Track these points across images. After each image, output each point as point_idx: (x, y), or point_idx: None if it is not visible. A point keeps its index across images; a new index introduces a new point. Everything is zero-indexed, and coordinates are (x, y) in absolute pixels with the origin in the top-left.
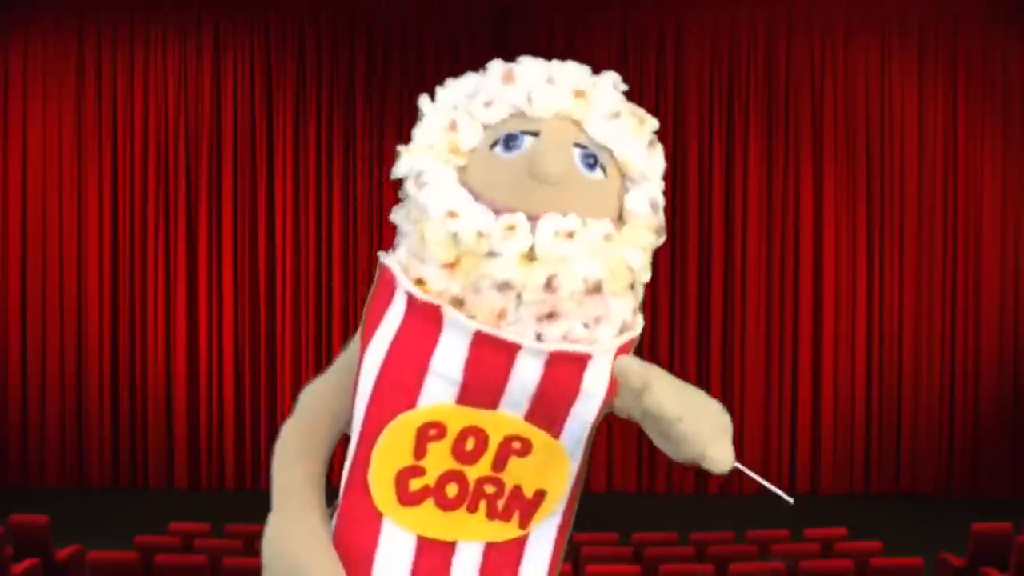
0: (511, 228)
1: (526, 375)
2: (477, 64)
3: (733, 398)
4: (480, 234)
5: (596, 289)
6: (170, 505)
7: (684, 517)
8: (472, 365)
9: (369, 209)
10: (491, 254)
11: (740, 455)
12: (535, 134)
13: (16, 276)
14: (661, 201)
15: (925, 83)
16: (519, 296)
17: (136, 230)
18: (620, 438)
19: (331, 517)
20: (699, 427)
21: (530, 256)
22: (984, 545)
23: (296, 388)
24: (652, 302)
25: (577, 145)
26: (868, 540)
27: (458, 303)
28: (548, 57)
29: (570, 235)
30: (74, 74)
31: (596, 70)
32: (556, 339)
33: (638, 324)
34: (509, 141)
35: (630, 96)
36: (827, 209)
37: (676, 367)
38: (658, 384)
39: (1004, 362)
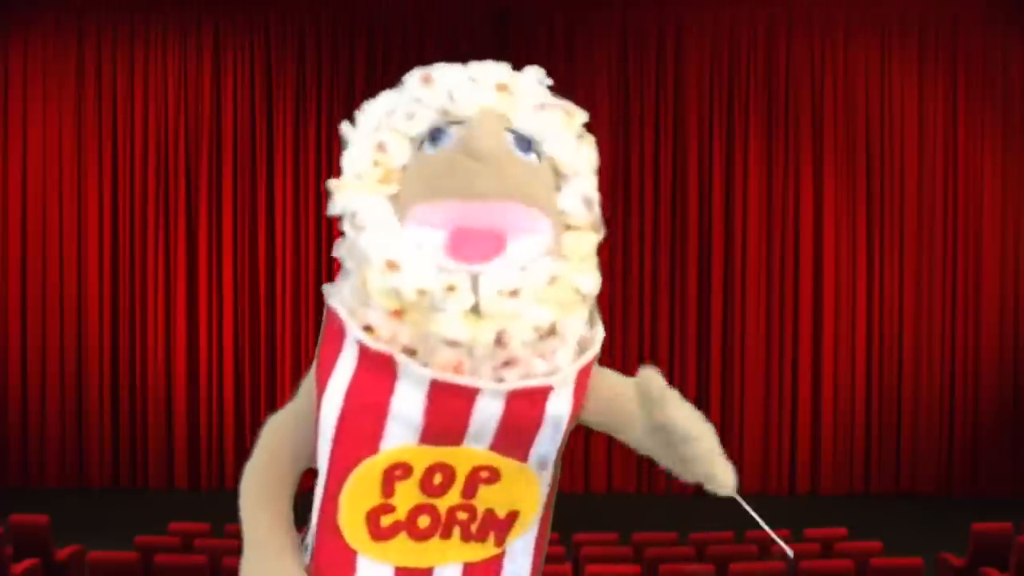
0: (452, 288)
1: (487, 414)
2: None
3: (733, 398)
4: (421, 292)
5: (550, 332)
6: (170, 505)
7: (684, 517)
8: (432, 410)
9: None
10: (435, 308)
11: (740, 455)
12: (462, 123)
13: (16, 276)
14: (595, 197)
15: (925, 83)
16: (470, 350)
17: (136, 230)
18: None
19: (302, 542)
20: (710, 449)
21: (476, 312)
22: (984, 545)
23: (296, 388)
24: (652, 302)
25: (508, 130)
26: (868, 540)
27: (410, 352)
28: (548, 57)
29: (514, 292)
30: (74, 74)
31: (596, 70)
32: (515, 380)
33: (597, 338)
34: (436, 136)
35: (629, 96)
36: (827, 209)
37: (676, 367)
38: (675, 402)
39: (1004, 362)
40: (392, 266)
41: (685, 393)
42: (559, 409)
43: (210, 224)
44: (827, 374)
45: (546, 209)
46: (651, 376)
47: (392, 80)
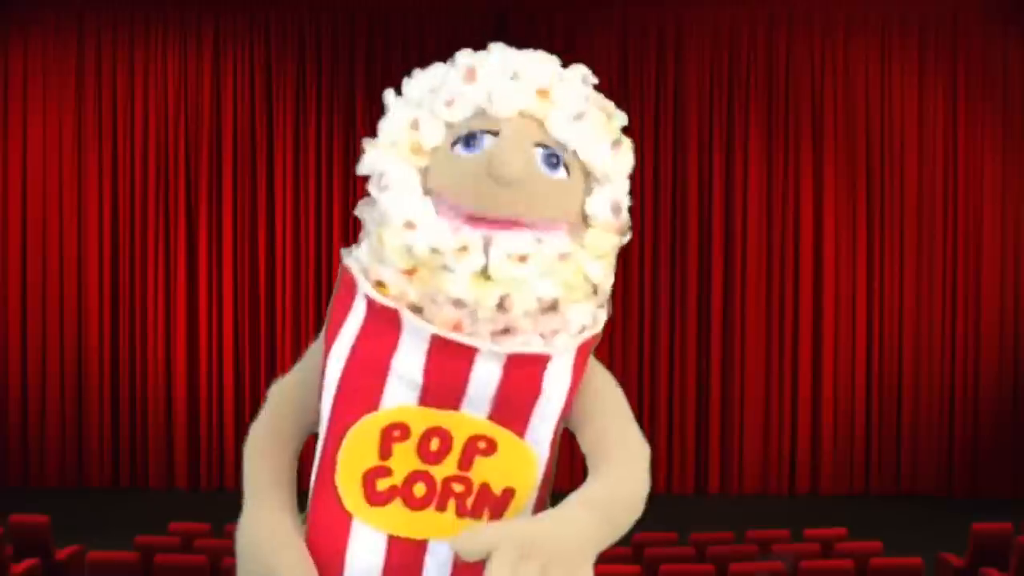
0: (464, 249)
1: (485, 377)
2: None
3: (733, 398)
4: (434, 250)
5: (552, 307)
6: (170, 505)
7: (684, 517)
8: (432, 368)
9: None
10: (446, 268)
11: (740, 455)
12: (496, 133)
13: (16, 276)
14: (624, 202)
15: (925, 83)
16: (474, 312)
17: (136, 230)
18: None
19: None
20: None
21: (484, 275)
22: (984, 545)
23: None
24: (652, 302)
25: (539, 145)
26: (868, 540)
27: (416, 309)
28: None
29: (523, 258)
30: (74, 74)
31: (596, 70)
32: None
33: (599, 321)
34: (469, 140)
35: (629, 96)
36: (827, 209)
37: (676, 367)
38: (508, 553)
39: (1004, 362)
40: (409, 225)
41: (685, 393)
42: (557, 383)
43: (210, 224)
44: (827, 374)
45: (566, 216)
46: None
47: (392, 80)
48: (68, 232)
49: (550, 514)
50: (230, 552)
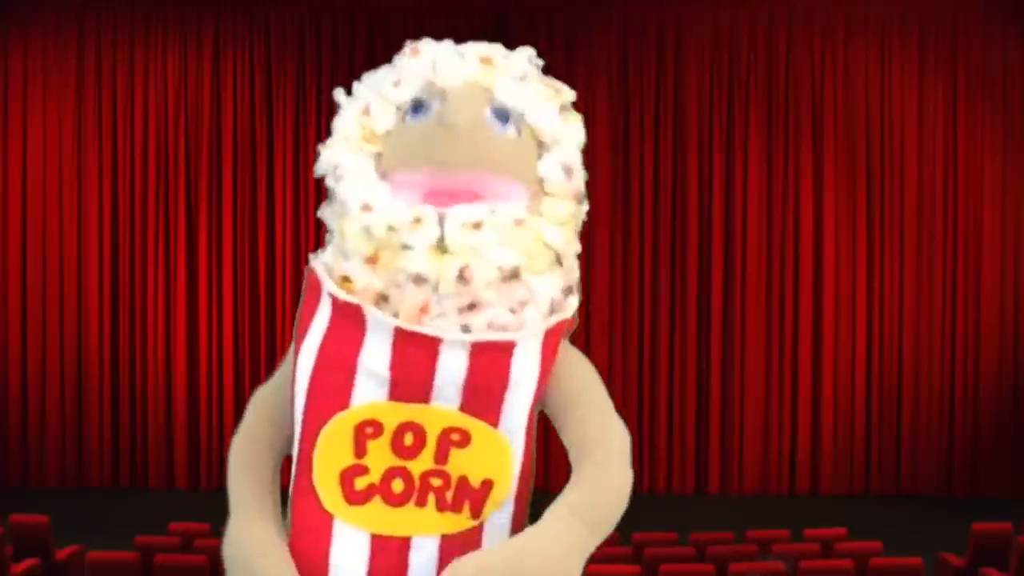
0: (418, 220)
1: (452, 367)
2: None
3: (733, 398)
4: (391, 227)
5: (514, 275)
6: (170, 505)
7: (684, 517)
8: (397, 362)
9: None
10: (405, 247)
11: (740, 455)
12: (443, 98)
13: (16, 276)
14: (577, 166)
15: (925, 83)
16: (436, 289)
17: (136, 230)
18: None
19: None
20: None
21: (442, 248)
22: (984, 545)
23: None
24: (652, 302)
25: (489, 104)
26: (868, 540)
27: (383, 299)
28: (548, 57)
29: (477, 225)
30: (74, 74)
31: (596, 70)
32: (481, 328)
33: (570, 305)
34: (417, 107)
35: (629, 96)
36: (827, 209)
37: (676, 367)
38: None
39: (1004, 362)
40: (366, 208)
41: (685, 393)
42: (525, 369)
43: (210, 224)
44: (827, 374)
45: (521, 178)
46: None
47: None
48: (68, 232)
49: (530, 532)
50: None
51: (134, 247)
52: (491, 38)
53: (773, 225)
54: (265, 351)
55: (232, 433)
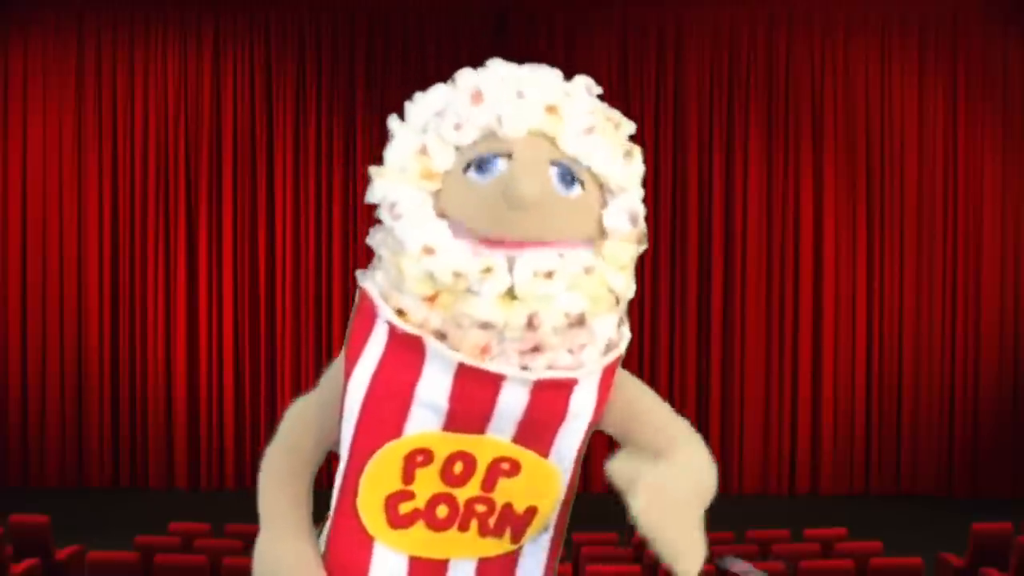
0: (488, 270)
1: (512, 403)
2: (477, 65)
3: (733, 398)
4: (457, 274)
5: (579, 322)
6: (170, 505)
7: None
8: (457, 395)
9: (369, 209)
10: (470, 291)
11: (740, 455)
12: (508, 155)
13: (16, 276)
14: (641, 212)
15: (925, 83)
16: (501, 332)
17: (136, 230)
18: None
19: (320, 534)
20: (674, 542)
21: (510, 294)
22: (984, 545)
23: (296, 388)
24: (652, 302)
25: (553, 163)
26: (868, 540)
27: (440, 335)
28: (548, 57)
29: (549, 275)
30: (74, 74)
31: (596, 70)
32: (541, 368)
33: (624, 340)
34: (482, 165)
35: (629, 96)
36: (827, 209)
37: (676, 367)
38: (642, 494)
39: (1004, 362)
40: (428, 251)
41: (685, 393)
42: (583, 404)
43: (210, 224)
44: (827, 374)
45: (585, 233)
46: (613, 474)
47: (392, 80)
48: (68, 232)
49: (683, 459)
50: (230, 552)
51: (134, 247)
52: (491, 38)
53: (773, 225)
54: (265, 351)
55: (232, 433)
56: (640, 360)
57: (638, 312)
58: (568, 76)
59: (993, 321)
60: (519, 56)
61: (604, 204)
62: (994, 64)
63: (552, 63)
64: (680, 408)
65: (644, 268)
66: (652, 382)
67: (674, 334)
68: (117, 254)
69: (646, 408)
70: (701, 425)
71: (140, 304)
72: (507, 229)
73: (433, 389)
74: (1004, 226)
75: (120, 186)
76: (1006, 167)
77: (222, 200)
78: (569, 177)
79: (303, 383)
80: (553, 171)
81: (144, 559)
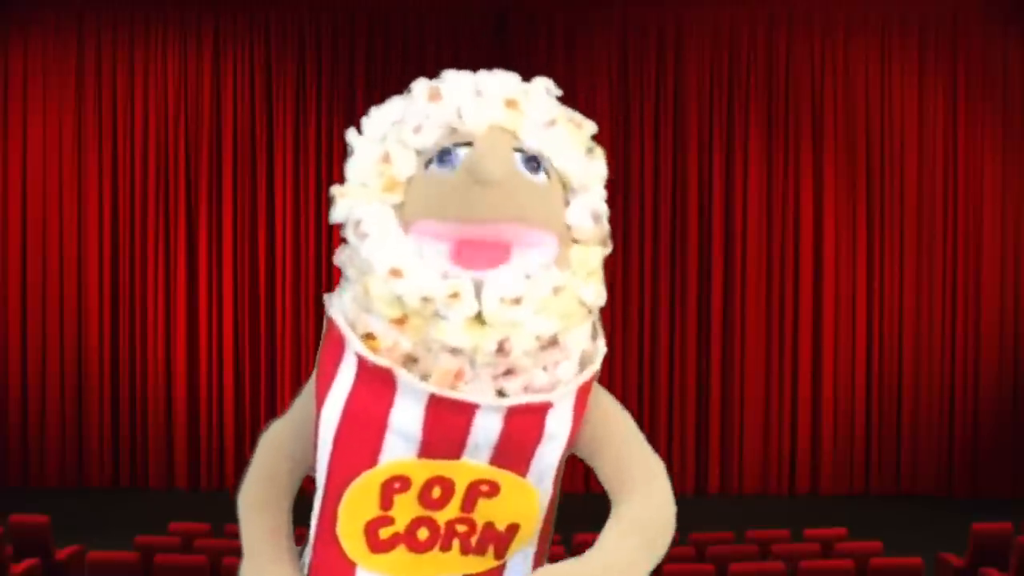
0: (455, 295)
1: (486, 430)
2: (477, 64)
3: (733, 398)
4: (425, 299)
5: (552, 342)
6: (170, 505)
7: (684, 517)
8: (430, 425)
9: None
10: (437, 315)
11: (740, 455)
12: (469, 144)
13: (16, 276)
14: (604, 210)
15: (925, 83)
16: (472, 357)
17: (136, 230)
18: None
19: (301, 555)
20: None
21: (479, 319)
22: (984, 545)
23: (296, 388)
24: (652, 302)
25: (516, 150)
26: (868, 540)
27: (411, 360)
28: (548, 57)
29: (516, 300)
30: (74, 74)
31: (596, 70)
32: (517, 391)
33: (598, 354)
34: (443, 156)
35: (629, 96)
36: (827, 209)
37: (676, 367)
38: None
39: (1004, 362)
40: (396, 273)
41: (685, 393)
42: (559, 425)
43: (210, 224)
44: (827, 374)
45: (552, 227)
46: None
47: (392, 80)
48: (68, 232)
49: (597, 550)
50: (230, 552)
51: (134, 247)
52: (491, 38)
53: (773, 225)
54: (265, 352)
55: (232, 433)
56: (640, 360)
57: (638, 312)
58: (568, 76)
59: (993, 321)
60: (519, 56)
61: (566, 203)
62: (994, 64)
63: (552, 63)
64: (680, 408)
65: (644, 268)
66: (652, 382)
67: (674, 334)
68: (117, 254)
69: (614, 431)
70: (701, 425)
71: (140, 304)
72: (476, 209)
73: (406, 419)
74: (1004, 226)
75: (120, 186)
76: (1006, 167)
77: (222, 200)
78: (534, 163)
79: (303, 383)
80: (517, 156)
81: (144, 559)
